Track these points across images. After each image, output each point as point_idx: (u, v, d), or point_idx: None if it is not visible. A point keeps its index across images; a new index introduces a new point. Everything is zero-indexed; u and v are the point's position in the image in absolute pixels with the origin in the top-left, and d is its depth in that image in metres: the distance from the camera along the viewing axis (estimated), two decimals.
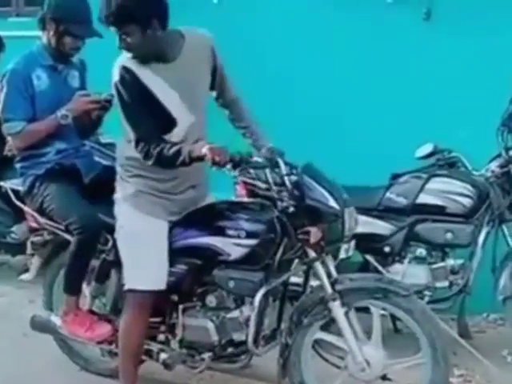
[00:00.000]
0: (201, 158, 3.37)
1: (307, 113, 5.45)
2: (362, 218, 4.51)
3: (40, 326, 4.10)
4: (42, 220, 4.01)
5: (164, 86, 3.50)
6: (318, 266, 3.49)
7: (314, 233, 3.42)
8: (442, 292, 4.55)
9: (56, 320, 4.03)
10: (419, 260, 4.56)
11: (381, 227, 4.59)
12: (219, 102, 3.80)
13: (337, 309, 3.44)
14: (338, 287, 3.47)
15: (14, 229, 5.28)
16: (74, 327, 3.96)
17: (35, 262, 4.17)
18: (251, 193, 4.59)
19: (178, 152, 3.44)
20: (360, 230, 4.58)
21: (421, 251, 4.55)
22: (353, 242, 3.61)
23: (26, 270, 4.27)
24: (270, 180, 3.54)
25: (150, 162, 3.49)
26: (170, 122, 3.54)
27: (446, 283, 4.53)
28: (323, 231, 3.42)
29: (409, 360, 3.54)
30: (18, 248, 5.20)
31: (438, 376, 3.43)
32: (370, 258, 4.61)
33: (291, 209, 3.46)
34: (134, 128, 3.51)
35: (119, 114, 3.57)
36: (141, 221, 3.61)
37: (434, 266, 4.53)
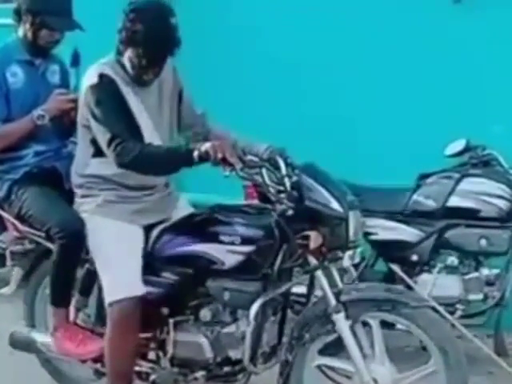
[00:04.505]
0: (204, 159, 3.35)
1: (329, 108, 5.45)
2: (387, 223, 4.54)
3: (20, 343, 4.10)
4: (22, 228, 4.01)
5: (141, 108, 3.64)
6: (320, 274, 3.46)
7: (314, 237, 3.41)
8: (475, 305, 4.52)
9: (37, 337, 4.04)
10: (450, 270, 4.54)
11: (407, 233, 4.57)
12: (186, 124, 3.89)
13: (341, 322, 3.40)
14: (343, 298, 3.43)
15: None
16: (65, 343, 3.94)
17: (16, 274, 4.16)
18: (263, 197, 4.59)
19: (170, 151, 3.48)
20: (384, 236, 4.62)
21: (452, 260, 4.53)
22: (359, 249, 3.57)
23: (6, 284, 4.30)
24: (267, 181, 3.53)
25: (125, 160, 3.46)
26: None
27: (481, 296, 4.50)
28: (324, 236, 3.41)
29: (419, 371, 3.49)
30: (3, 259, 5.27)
31: (454, 382, 3.38)
32: (395, 267, 4.59)
33: (290, 212, 3.44)
34: (108, 126, 3.52)
35: (80, 124, 3.67)
36: (112, 228, 3.67)
37: (467, 276, 4.51)
